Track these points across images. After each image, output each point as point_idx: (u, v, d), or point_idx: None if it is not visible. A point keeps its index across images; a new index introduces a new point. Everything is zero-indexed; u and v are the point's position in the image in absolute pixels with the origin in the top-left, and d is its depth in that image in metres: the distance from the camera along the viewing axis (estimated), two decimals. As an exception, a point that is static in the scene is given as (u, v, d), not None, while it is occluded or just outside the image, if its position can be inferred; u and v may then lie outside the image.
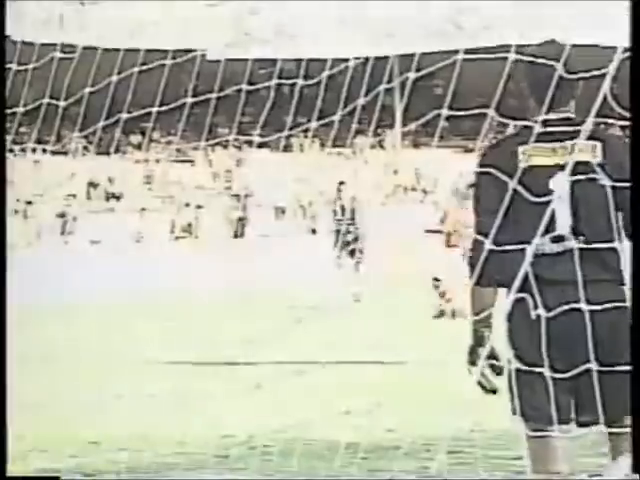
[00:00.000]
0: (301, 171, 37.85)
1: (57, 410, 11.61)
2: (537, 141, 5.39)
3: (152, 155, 39.95)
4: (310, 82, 6.91)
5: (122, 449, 9.49)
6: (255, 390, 12.35)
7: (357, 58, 7.39)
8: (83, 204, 37.68)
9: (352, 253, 22.71)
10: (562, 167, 5.36)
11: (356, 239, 22.80)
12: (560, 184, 5.36)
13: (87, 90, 6.78)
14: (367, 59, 7.77)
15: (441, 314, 19.77)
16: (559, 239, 5.36)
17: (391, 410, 10.81)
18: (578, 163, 5.34)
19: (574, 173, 5.30)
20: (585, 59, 5.66)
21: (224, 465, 9.04)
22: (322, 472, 8.32)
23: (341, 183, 23.22)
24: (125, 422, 10.66)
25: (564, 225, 5.36)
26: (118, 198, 38.96)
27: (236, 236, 36.80)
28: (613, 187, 5.31)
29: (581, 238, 5.33)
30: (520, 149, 5.43)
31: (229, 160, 41.10)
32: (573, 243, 5.34)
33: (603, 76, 5.06)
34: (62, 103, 6.88)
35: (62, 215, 35.98)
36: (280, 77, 7.47)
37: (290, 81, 7.11)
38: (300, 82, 6.88)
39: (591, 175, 5.37)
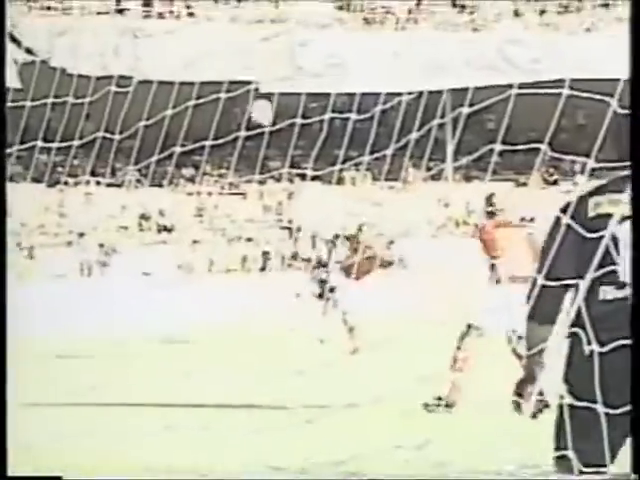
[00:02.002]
0: (352, 204, 37.90)
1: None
2: (606, 192, 5.43)
3: (204, 188, 40.15)
4: (363, 116, 6.92)
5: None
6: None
7: (410, 93, 7.42)
8: (134, 236, 37.90)
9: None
10: (626, 217, 5.40)
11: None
12: (624, 232, 5.39)
13: (142, 124, 6.84)
14: (420, 93, 7.79)
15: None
16: (622, 286, 5.40)
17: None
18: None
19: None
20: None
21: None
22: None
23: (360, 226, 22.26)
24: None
25: (626, 272, 5.39)
26: (169, 230, 39.15)
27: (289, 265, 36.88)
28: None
29: None
30: (591, 200, 5.46)
31: (281, 193, 41.24)
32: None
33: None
34: (117, 136, 6.94)
35: (113, 248, 36.19)
36: (333, 111, 7.49)
37: (343, 115, 7.13)
38: (353, 116, 6.91)
39: None
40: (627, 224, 5.38)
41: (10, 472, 5.98)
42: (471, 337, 12.65)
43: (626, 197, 5.41)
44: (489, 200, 13.30)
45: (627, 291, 5.35)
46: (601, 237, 5.31)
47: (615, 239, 5.36)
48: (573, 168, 40.46)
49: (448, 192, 41.21)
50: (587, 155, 5.72)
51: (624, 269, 5.36)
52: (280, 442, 11.18)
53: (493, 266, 12.55)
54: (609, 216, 5.38)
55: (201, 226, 39.82)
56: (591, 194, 5.44)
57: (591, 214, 5.42)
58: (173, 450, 11.07)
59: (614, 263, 5.34)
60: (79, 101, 6.60)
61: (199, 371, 17.39)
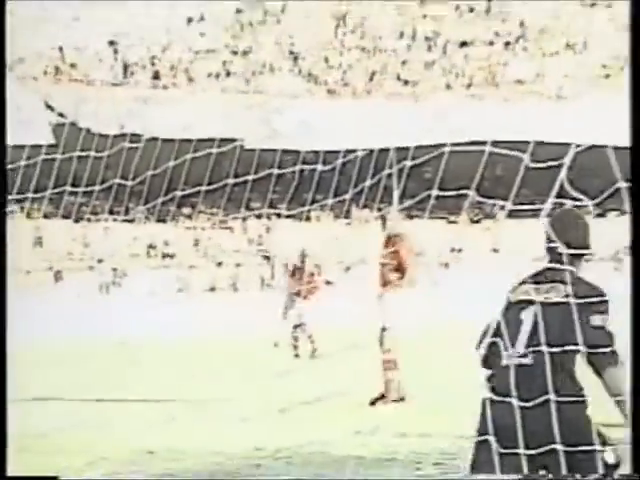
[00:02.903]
0: (316, 237, 37.79)
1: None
2: (524, 282, 5.26)
3: (200, 224, 39.95)
4: (327, 168, 6.90)
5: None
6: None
7: (364, 149, 7.38)
8: (143, 261, 37.62)
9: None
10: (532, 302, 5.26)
11: None
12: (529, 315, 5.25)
13: (149, 173, 6.78)
14: (372, 150, 7.77)
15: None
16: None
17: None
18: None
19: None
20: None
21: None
22: None
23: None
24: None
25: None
26: (172, 257, 38.91)
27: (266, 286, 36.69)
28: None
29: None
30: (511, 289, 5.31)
31: (261, 228, 41.07)
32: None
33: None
34: (130, 183, 6.89)
35: (124, 272, 35.94)
36: (303, 163, 7.46)
37: (311, 167, 7.10)
38: (319, 167, 6.89)
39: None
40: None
41: (10, 472, 5.46)
42: (388, 338, 12.29)
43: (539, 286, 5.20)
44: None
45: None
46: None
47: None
48: (493, 210, 40.46)
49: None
50: (505, 199, 5.69)
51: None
52: (260, 428, 11.10)
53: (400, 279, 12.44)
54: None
55: (197, 254, 39.59)
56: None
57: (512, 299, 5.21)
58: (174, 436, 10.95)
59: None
60: (99, 154, 6.55)
61: (196, 369, 17.24)
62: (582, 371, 5.10)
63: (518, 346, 5.20)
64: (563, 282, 5.19)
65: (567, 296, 5.09)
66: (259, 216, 37.79)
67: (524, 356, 5.15)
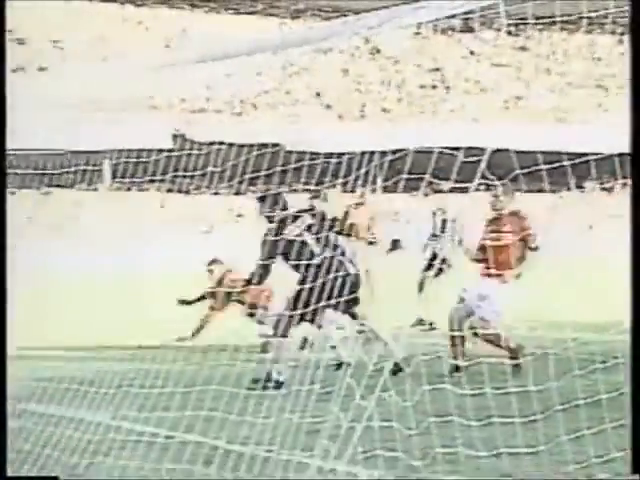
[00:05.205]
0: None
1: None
2: None
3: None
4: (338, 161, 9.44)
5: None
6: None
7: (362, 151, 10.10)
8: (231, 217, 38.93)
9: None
10: None
11: None
12: None
13: (229, 163, 9.93)
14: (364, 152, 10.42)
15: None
16: None
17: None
18: None
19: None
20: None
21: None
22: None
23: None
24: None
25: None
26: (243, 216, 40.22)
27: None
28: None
29: None
30: None
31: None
32: None
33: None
34: (218, 169, 9.80)
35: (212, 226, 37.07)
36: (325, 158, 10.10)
37: (330, 160, 9.83)
38: (333, 161, 8.19)
39: None
40: None
41: (10, 472, 5.49)
42: None
43: None
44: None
45: None
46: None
47: None
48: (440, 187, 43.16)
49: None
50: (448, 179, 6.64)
51: None
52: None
53: None
54: None
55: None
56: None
57: None
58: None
59: None
60: (200, 152, 9.54)
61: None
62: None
63: None
64: None
65: None
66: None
67: None
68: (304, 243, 9.49)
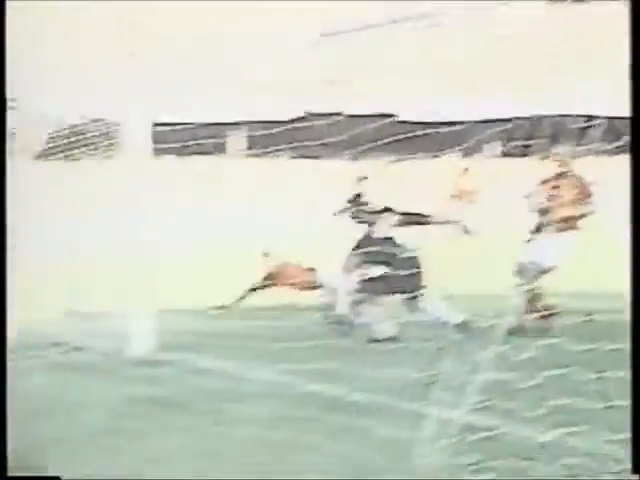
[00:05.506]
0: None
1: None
2: None
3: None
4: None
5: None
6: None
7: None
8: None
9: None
10: None
11: None
12: None
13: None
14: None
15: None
16: None
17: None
18: None
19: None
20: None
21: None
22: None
23: None
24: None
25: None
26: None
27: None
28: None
29: None
30: None
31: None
32: None
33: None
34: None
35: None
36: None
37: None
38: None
39: None
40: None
41: (10, 472, 5.36)
42: None
43: None
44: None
45: None
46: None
47: None
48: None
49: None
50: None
51: None
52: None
53: None
54: None
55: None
56: None
57: None
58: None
59: None
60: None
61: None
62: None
63: None
64: None
65: None
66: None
67: None
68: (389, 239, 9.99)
